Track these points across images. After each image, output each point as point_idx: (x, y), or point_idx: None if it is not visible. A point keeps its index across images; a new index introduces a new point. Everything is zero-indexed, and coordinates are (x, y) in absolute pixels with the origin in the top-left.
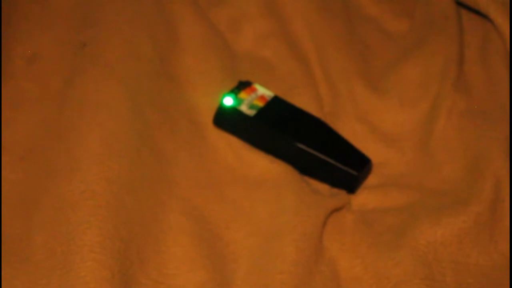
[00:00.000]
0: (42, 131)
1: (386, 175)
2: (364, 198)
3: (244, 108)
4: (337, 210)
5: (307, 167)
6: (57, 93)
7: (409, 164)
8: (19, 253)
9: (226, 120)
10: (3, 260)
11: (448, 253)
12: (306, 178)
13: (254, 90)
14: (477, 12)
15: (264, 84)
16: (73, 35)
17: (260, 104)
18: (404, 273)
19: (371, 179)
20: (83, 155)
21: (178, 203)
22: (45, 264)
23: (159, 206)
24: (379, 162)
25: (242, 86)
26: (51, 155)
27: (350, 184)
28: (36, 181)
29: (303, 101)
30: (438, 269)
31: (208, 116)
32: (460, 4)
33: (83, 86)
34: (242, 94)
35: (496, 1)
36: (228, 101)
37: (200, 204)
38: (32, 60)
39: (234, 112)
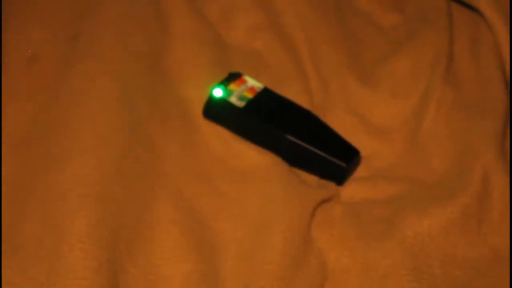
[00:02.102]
0: (34, 122)
1: (375, 167)
2: (353, 189)
3: (233, 99)
4: (325, 201)
5: (296, 158)
6: (50, 84)
7: (398, 156)
8: (11, 242)
9: (216, 111)
10: None
11: (436, 244)
12: (295, 170)
13: (244, 81)
14: (467, 6)
15: (255, 76)
16: (65, 29)
17: (250, 95)
18: (392, 264)
19: (360, 171)
20: (74, 146)
21: (168, 194)
22: (35, 253)
23: (149, 197)
24: (368, 154)
25: (232, 77)
26: (43, 146)
27: (339, 176)
28: (28, 171)
29: (293, 93)
30: (425, 260)
31: (198, 108)
32: None
33: (75, 78)
34: (232, 86)
35: None
36: (218, 92)
37: (189, 195)
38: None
39: (223, 103)
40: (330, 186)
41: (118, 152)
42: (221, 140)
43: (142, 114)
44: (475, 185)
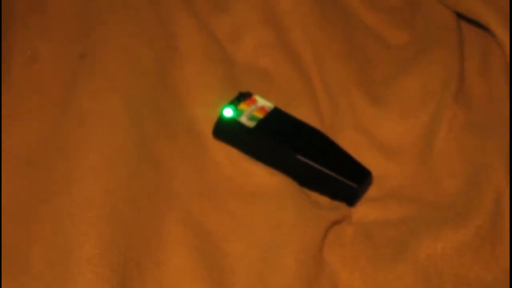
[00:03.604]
0: (41, 141)
1: (386, 187)
2: (364, 210)
3: (244, 119)
4: (337, 222)
5: (307, 179)
6: (57, 103)
7: (409, 177)
8: (18, 265)
9: (226, 131)
10: (2, 272)
11: (449, 267)
12: (306, 190)
13: (254, 101)
14: (477, 24)
15: (264, 95)
16: (72, 45)
17: (260, 115)
18: (404, 286)
19: (371, 192)
20: (82, 166)
21: (177, 215)
22: (44, 276)
23: (158, 218)
24: (379, 175)
25: (242, 97)
26: (50, 166)
27: (350, 197)
28: (35, 192)
29: (303, 112)
30: (438, 282)
31: (207, 127)
32: (461, 16)
33: (82, 97)
34: (242, 106)
35: (496, 13)
36: (228, 112)
37: (199, 216)
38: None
39: (234, 123)
40: (342, 207)
41: (126, 172)
42: (231, 160)
43: (150, 134)
44: (487, 207)
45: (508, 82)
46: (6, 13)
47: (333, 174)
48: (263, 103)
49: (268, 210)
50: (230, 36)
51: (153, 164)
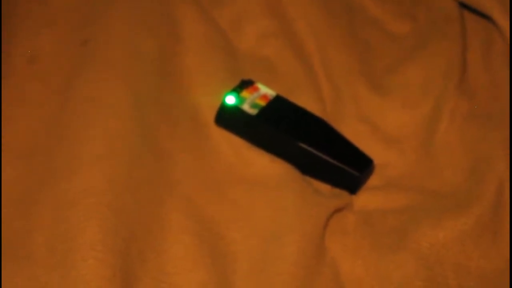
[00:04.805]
0: (43, 129)
1: (387, 176)
2: (366, 199)
3: (246, 107)
4: (338, 210)
5: (309, 167)
6: (58, 91)
7: (411, 166)
8: (20, 251)
9: (228, 119)
10: (4, 258)
11: (450, 255)
12: (308, 178)
13: (256, 89)
14: (480, 14)
15: (266, 83)
16: (74, 33)
17: (262, 103)
18: (405, 275)
19: (373, 180)
20: (84, 154)
21: (179, 202)
22: (45, 262)
23: (160, 205)
24: (381, 163)
25: (244, 85)
26: (52, 153)
27: (352, 185)
28: (37, 179)
29: (305, 100)
30: (439, 271)
31: (210, 115)
32: (463, 6)
33: (84, 85)
34: (244, 93)
35: (499, 3)
36: (230, 100)
37: (201, 204)
38: (32, 59)
39: (236, 111)
40: (343, 195)
41: (128, 160)
42: (233, 148)
43: (152, 121)
44: (488, 196)
45: (509, 72)
46: (8, 2)
47: (335, 162)
48: (265, 90)
49: (269, 197)
50: (232, 25)
51: (155, 152)
